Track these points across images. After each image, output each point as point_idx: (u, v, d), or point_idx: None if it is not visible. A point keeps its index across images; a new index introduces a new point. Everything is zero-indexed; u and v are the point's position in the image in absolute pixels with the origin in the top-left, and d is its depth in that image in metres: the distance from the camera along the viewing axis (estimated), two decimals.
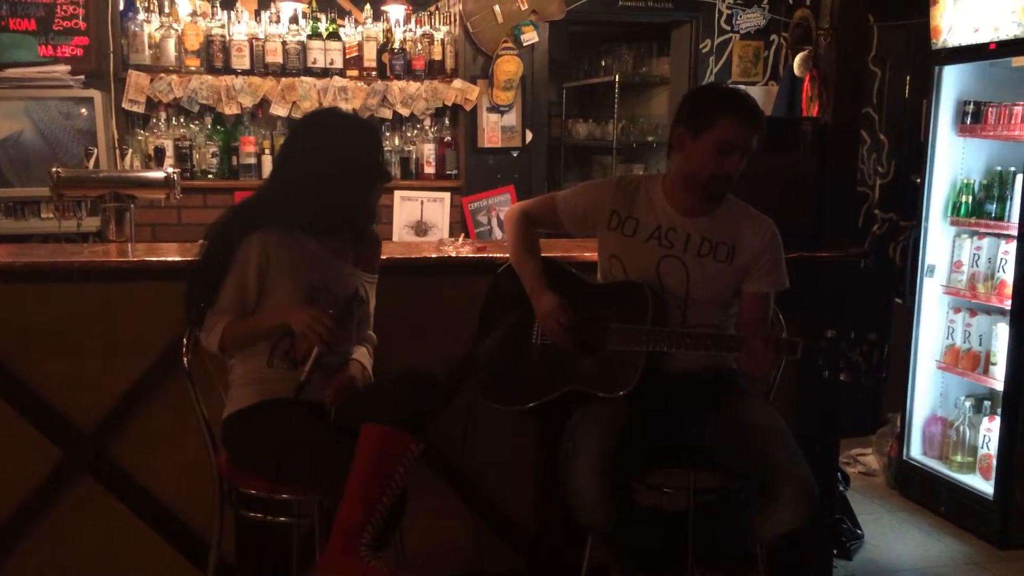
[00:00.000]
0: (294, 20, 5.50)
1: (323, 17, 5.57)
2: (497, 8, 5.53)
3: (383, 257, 3.25)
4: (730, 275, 3.04)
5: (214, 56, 5.40)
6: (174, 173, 3.82)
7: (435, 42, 5.64)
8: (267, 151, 5.49)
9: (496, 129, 5.71)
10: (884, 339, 2.73)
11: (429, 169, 5.76)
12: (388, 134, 5.69)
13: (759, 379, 3.06)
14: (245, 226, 2.93)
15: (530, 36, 5.61)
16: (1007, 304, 4.68)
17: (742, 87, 4.54)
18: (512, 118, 5.72)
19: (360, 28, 5.60)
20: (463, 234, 5.31)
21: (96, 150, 4.41)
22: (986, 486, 4.82)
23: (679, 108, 3.00)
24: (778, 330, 3.20)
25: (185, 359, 3.10)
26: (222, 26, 5.42)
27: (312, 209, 2.90)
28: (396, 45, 5.60)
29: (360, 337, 3.15)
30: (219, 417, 3.05)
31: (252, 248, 2.90)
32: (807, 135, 3.88)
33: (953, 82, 5.05)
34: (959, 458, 5.09)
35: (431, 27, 5.67)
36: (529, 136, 5.79)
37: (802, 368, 2.98)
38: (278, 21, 5.50)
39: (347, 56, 5.55)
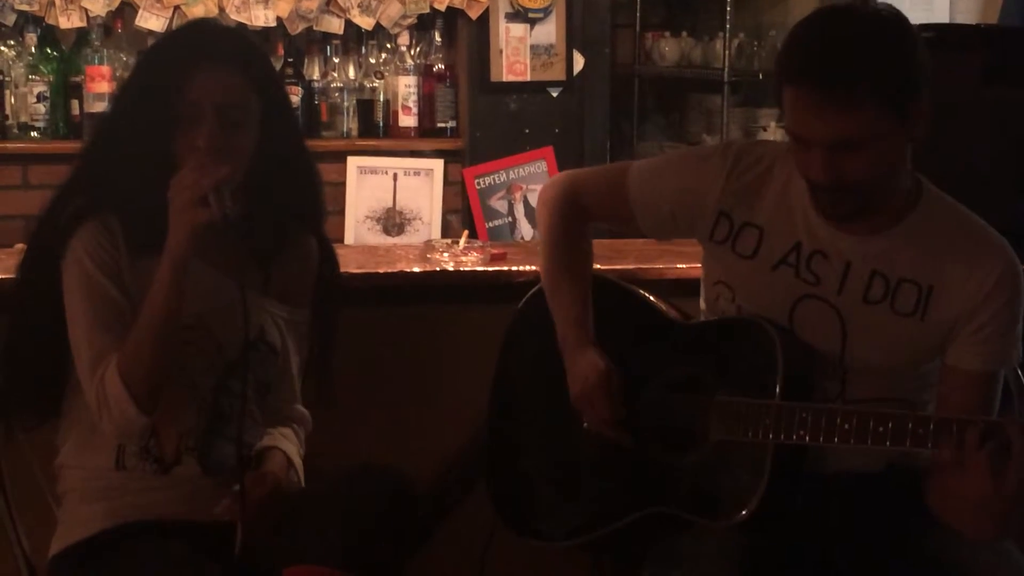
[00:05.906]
0: None
1: None
2: None
3: None
4: (920, 336, 2.52)
5: None
6: None
7: None
8: None
9: (522, 51, 4.93)
10: None
11: (407, 120, 4.86)
12: (337, 60, 4.81)
13: (984, 522, 2.31)
14: (65, 227, 2.50)
15: None
16: None
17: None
18: (550, 31, 4.94)
19: None
20: (467, 231, 4.44)
21: None
22: None
23: None
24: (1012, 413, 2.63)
25: None
26: None
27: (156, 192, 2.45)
28: None
29: (277, 414, 2.71)
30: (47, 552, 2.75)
31: (74, 264, 2.46)
32: None
33: None
34: None
35: None
36: (580, 63, 4.99)
37: None
38: None
39: None
